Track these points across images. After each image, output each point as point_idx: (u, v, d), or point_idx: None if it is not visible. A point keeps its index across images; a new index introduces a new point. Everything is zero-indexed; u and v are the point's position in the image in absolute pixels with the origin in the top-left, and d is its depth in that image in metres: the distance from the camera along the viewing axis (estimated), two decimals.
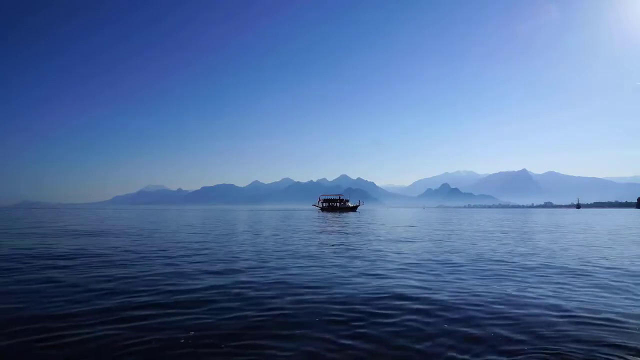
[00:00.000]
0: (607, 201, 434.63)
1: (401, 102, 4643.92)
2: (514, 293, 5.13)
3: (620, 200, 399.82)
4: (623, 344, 3.33)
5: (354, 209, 71.65)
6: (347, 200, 72.03)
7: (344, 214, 49.52)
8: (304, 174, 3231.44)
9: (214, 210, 78.01)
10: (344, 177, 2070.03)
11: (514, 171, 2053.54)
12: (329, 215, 46.22)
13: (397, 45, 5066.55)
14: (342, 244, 11.71)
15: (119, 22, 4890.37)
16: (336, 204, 71.16)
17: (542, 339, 3.45)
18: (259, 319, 3.96)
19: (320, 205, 72.66)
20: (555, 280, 6.00)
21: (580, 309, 4.39)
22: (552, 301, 4.71)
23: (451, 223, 26.84)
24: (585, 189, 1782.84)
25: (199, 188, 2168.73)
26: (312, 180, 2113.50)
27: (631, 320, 3.96)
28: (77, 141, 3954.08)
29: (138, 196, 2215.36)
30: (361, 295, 4.95)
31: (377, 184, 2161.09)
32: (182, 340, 3.36)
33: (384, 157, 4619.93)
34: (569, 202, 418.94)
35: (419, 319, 3.99)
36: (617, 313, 4.21)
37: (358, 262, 7.84)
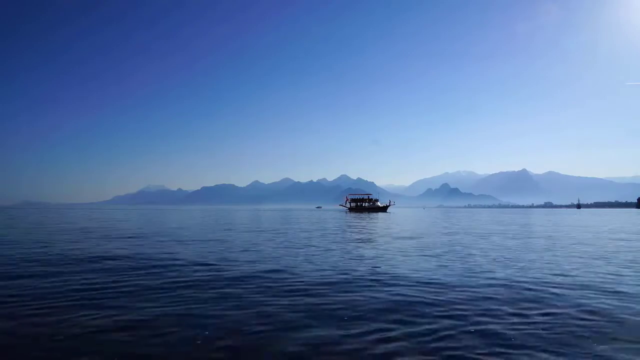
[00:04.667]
0: (607, 201, 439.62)
1: (401, 102, 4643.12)
2: None
3: (620, 200, 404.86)
4: None
5: (384, 209, 68.04)
6: (377, 200, 68.48)
7: (374, 214, 46.68)
8: (304, 174, 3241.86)
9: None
10: (344, 177, 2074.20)
11: (514, 171, 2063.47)
12: (361, 216, 41.81)
13: (397, 45, 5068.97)
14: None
15: (119, 22, 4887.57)
16: (365, 203, 68.42)
17: None
18: None
19: (348, 205, 70.07)
20: None
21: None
22: None
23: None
24: (585, 189, 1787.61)
25: (199, 188, 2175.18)
26: (312, 180, 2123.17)
27: None
28: (77, 141, 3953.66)
29: (138, 196, 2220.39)
30: None
31: (377, 184, 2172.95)
32: None
33: (384, 157, 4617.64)
34: (569, 202, 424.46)
35: None
36: None
37: None
